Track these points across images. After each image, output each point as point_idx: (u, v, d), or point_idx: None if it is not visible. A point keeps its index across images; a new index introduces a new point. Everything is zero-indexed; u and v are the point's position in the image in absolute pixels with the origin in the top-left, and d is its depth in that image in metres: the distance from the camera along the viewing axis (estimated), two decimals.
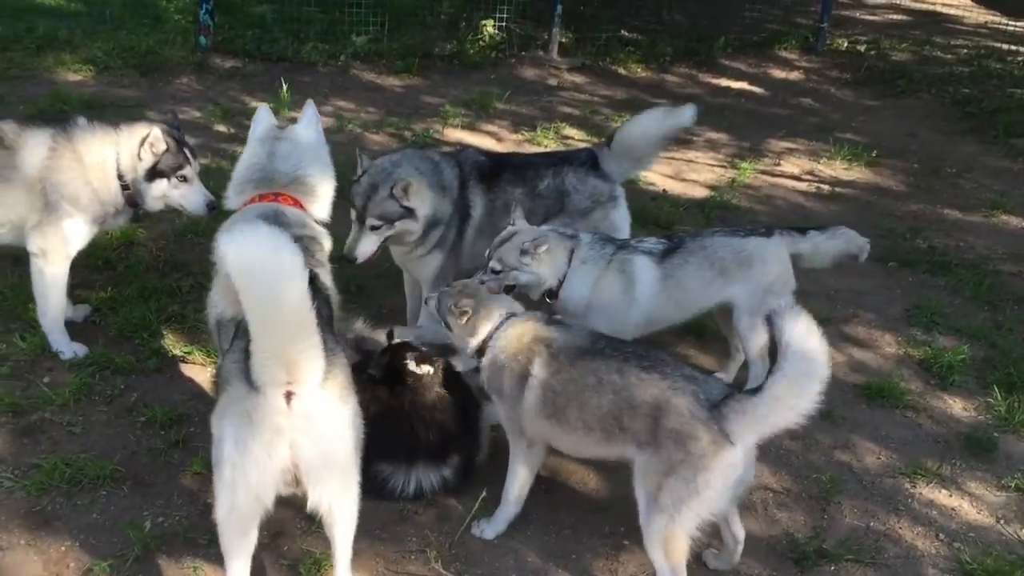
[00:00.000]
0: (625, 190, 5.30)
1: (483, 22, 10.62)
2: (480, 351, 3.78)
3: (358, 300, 5.38)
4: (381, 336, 4.29)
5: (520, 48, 10.65)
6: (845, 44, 12.21)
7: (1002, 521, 4.23)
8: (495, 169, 5.02)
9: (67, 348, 4.59)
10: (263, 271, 2.69)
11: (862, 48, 12.09)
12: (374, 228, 4.53)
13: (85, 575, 3.43)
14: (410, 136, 8.05)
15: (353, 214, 4.56)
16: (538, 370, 3.61)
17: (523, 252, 4.22)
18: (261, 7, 10.90)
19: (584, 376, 3.55)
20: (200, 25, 9.35)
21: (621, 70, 10.79)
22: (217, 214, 4.59)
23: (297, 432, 2.92)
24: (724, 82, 10.86)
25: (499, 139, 8.26)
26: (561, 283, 4.34)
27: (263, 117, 4.18)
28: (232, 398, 2.95)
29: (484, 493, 3.95)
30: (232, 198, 3.95)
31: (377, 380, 3.93)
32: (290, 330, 2.80)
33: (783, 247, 4.63)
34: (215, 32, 9.57)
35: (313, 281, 3.31)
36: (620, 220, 5.22)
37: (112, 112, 7.75)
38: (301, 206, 3.84)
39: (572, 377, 3.56)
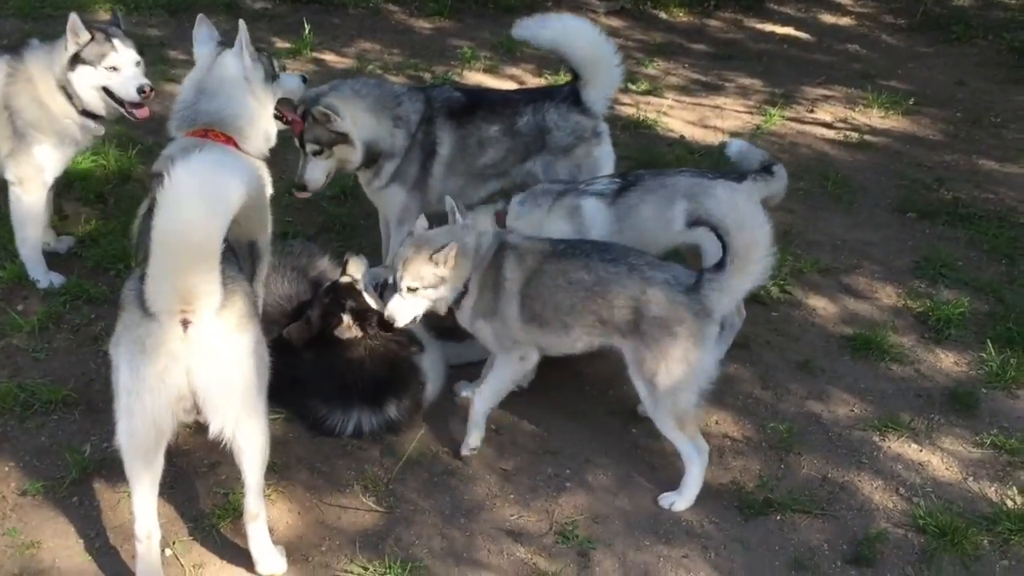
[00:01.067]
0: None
1: None
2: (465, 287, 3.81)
3: (341, 237, 5.39)
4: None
5: None
6: None
7: (971, 478, 4.07)
8: (469, 105, 4.90)
9: (44, 277, 4.68)
10: (202, 198, 2.69)
11: None
12: (316, 154, 4.57)
13: (22, 495, 3.51)
14: (429, 78, 7.97)
15: (296, 141, 4.60)
16: (510, 277, 3.76)
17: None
18: None
19: (554, 278, 3.72)
20: None
21: (662, 14, 10.52)
22: (150, 99, 4.60)
23: (193, 359, 2.92)
24: (769, 27, 10.52)
25: (520, 82, 8.13)
26: None
27: (203, 35, 4.11)
28: (127, 324, 2.96)
29: (422, 431, 3.95)
30: (172, 132, 3.95)
31: (312, 321, 3.93)
32: (191, 259, 2.80)
33: (754, 193, 4.34)
34: None
35: None
36: (604, 157, 5.06)
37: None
38: (233, 142, 3.80)
39: (543, 281, 3.74)
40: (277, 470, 3.73)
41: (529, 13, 9.75)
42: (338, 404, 3.90)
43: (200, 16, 4.20)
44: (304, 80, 4.50)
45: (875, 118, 8.15)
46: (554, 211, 4.23)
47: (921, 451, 4.22)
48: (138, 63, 4.61)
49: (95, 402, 3.97)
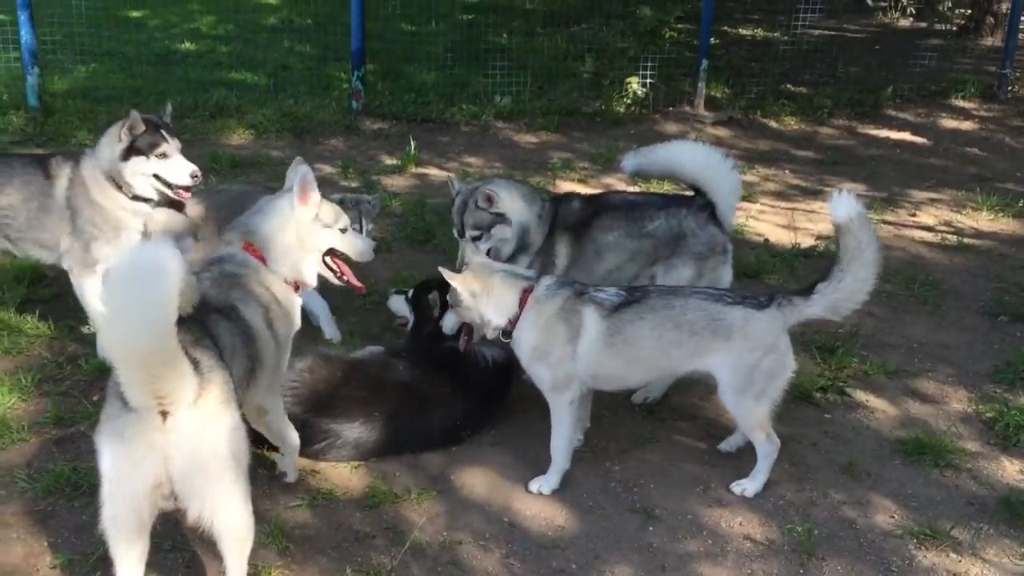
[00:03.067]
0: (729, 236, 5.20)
1: (628, 79, 10.72)
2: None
3: None
4: None
5: (666, 104, 10.66)
6: None
7: None
8: (587, 215, 5.10)
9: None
10: (130, 280, 2.88)
11: None
12: (475, 239, 5.00)
13: (53, 569, 3.78)
14: None
15: (455, 232, 5.14)
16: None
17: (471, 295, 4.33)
18: (429, 74, 11.56)
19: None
20: (352, 90, 10.05)
21: (772, 123, 10.56)
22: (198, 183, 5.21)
23: (169, 448, 3.07)
24: (884, 133, 10.37)
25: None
26: (513, 323, 4.33)
27: (297, 170, 4.25)
28: (109, 415, 3.16)
29: (424, 519, 4.04)
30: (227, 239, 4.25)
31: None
32: (151, 356, 2.92)
33: (778, 321, 4.20)
34: (373, 98, 10.25)
35: (231, 312, 3.58)
36: (727, 274, 5.13)
37: (256, 170, 8.52)
38: (261, 258, 3.92)
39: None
40: (289, 555, 3.88)
41: (635, 127, 10.16)
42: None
43: (297, 158, 4.46)
44: (375, 249, 4.47)
45: (983, 221, 7.87)
46: (561, 310, 4.29)
47: (960, 561, 3.96)
48: (179, 150, 5.15)
49: None
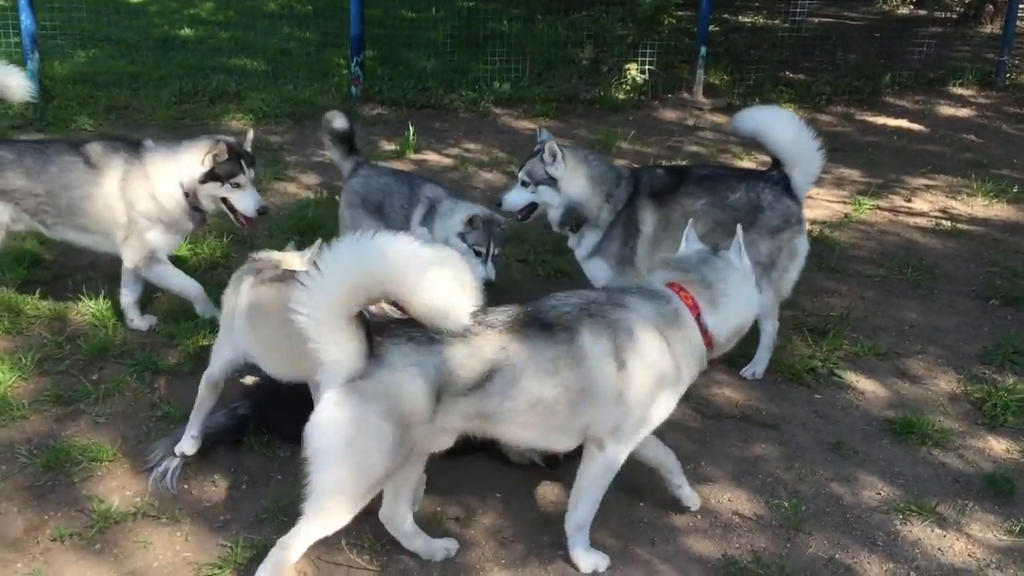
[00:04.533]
0: None
1: (627, 66, 10.77)
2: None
3: None
4: None
5: (665, 90, 10.70)
6: None
7: (993, 566, 3.86)
8: (673, 183, 5.17)
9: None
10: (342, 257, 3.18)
11: None
12: (524, 184, 5.11)
13: (54, 540, 3.86)
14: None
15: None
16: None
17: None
18: (428, 60, 11.60)
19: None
20: (351, 77, 10.09)
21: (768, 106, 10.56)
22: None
23: None
24: (881, 120, 10.40)
25: None
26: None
27: None
28: None
29: (428, 497, 4.11)
30: None
31: None
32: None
33: None
34: (372, 83, 10.29)
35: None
36: (803, 245, 5.17)
37: (256, 155, 8.53)
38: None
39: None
40: (285, 527, 3.94)
41: (634, 113, 10.19)
42: None
43: None
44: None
45: (977, 207, 7.92)
46: None
47: (945, 536, 4.03)
48: (253, 181, 5.36)
49: (136, 463, 4.31)
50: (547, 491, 4.27)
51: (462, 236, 5.12)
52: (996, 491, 4.29)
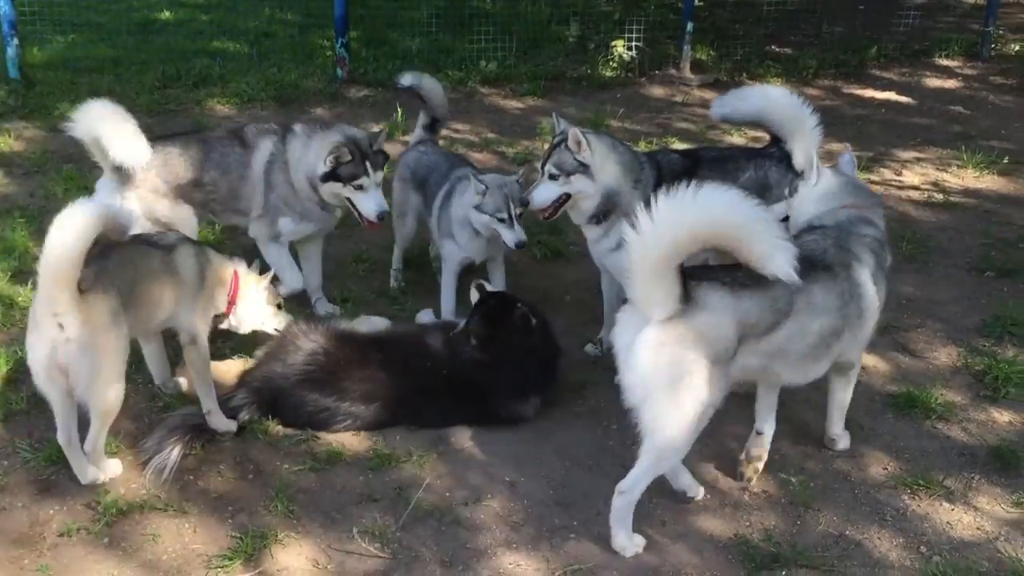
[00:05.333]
0: None
1: (613, 43, 10.71)
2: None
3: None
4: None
5: (652, 67, 10.65)
6: (1016, 48, 11.37)
7: (1002, 538, 3.87)
8: (690, 166, 5.07)
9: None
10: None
11: None
12: (552, 177, 4.79)
13: (61, 535, 3.82)
14: (512, 154, 8.26)
15: (539, 166, 4.95)
16: None
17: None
18: (413, 40, 11.49)
19: None
20: (337, 58, 10.00)
21: (758, 85, 10.54)
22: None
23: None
24: (869, 92, 10.40)
25: None
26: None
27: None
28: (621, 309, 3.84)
29: (429, 478, 4.11)
30: None
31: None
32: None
33: None
34: (357, 65, 10.20)
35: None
36: None
37: None
38: None
39: None
40: (294, 517, 3.93)
41: (621, 90, 10.14)
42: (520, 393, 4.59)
43: None
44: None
45: (968, 178, 7.94)
46: None
47: (953, 510, 4.05)
48: (378, 185, 5.16)
49: (138, 456, 4.26)
50: (554, 474, 4.26)
51: (478, 207, 5.07)
52: (1002, 463, 4.31)
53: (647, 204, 4.83)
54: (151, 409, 4.63)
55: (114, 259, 3.98)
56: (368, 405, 4.44)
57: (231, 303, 4.66)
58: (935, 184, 7.81)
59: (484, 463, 4.31)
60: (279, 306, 4.90)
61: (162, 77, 9.82)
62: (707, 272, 3.72)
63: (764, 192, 5.02)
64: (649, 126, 9.16)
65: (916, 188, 7.72)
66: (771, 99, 5.29)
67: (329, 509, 3.99)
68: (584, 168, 4.73)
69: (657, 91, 10.29)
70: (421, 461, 4.28)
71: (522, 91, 10.09)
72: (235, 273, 4.67)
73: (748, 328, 3.62)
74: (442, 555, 3.76)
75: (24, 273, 5.78)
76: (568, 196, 4.81)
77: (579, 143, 4.69)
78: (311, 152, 5.15)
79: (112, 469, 4.15)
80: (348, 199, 5.17)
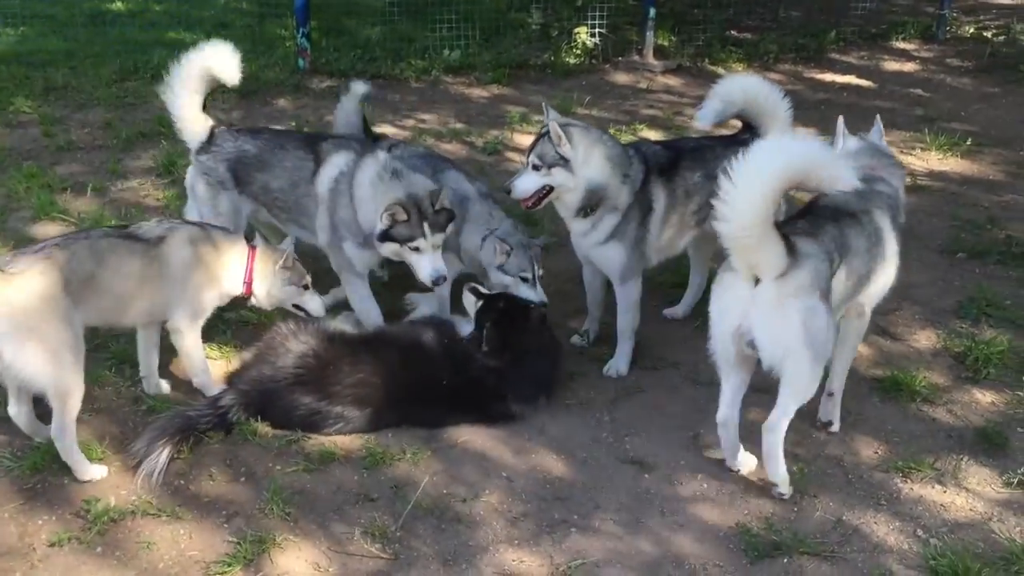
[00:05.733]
0: None
1: (576, 30, 10.68)
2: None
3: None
4: None
5: (615, 53, 10.64)
6: (971, 31, 11.54)
7: (995, 519, 3.94)
8: (673, 158, 5.06)
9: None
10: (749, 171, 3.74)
11: (989, 34, 11.41)
12: (535, 168, 4.74)
13: (52, 545, 3.72)
14: (481, 144, 8.20)
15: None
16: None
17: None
18: (372, 29, 11.36)
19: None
20: (298, 48, 9.85)
21: (720, 70, 10.56)
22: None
23: (752, 306, 3.86)
24: (830, 76, 10.47)
25: None
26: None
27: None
28: (720, 271, 4.10)
29: (430, 476, 4.07)
30: None
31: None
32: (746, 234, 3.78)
33: None
34: (318, 55, 10.06)
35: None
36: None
37: None
38: None
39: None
40: (292, 520, 3.87)
41: (586, 77, 10.12)
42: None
43: None
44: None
45: (933, 161, 8.04)
46: None
47: (945, 492, 4.11)
48: (436, 247, 4.77)
49: (127, 460, 4.17)
50: (550, 468, 4.25)
51: (502, 268, 4.97)
52: (989, 444, 4.38)
53: (636, 198, 4.88)
54: (135, 412, 4.54)
55: (72, 249, 4.07)
56: (361, 410, 4.37)
57: (248, 284, 4.63)
58: None
59: (479, 458, 4.29)
60: (306, 286, 4.80)
61: (119, 70, 9.61)
62: (782, 227, 3.93)
63: None
64: (616, 113, 9.15)
65: None
66: (748, 90, 5.31)
67: (326, 510, 3.94)
68: (565, 162, 4.70)
69: (622, 77, 10.28)
70: (416, 458, 4.25)
71: (486, 79, 10.02)
72: (251, 253, 4.62)
73: (835, 270, 4.00)
74: (444, 553, 3.73)
75: None
76: (551, 188, 4.78)
77: (559, 137, 4.67)
78: (374, 202, 4.80)
79: (96, 472, 4.09)
80: (398, 255, 4.84)
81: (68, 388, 3.97)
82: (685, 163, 5.07)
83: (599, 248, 4.91)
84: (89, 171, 7.40)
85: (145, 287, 4.31)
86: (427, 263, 4.76)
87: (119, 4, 12.44)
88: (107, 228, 4.76)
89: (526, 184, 4.80)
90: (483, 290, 4.85)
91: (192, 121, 5.21)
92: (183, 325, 4.47)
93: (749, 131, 5.23)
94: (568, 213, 4.89)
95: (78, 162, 7.60)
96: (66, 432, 4.01)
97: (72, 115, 8.65)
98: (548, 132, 4.70)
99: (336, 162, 4.96)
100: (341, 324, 4.87)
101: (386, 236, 4.73)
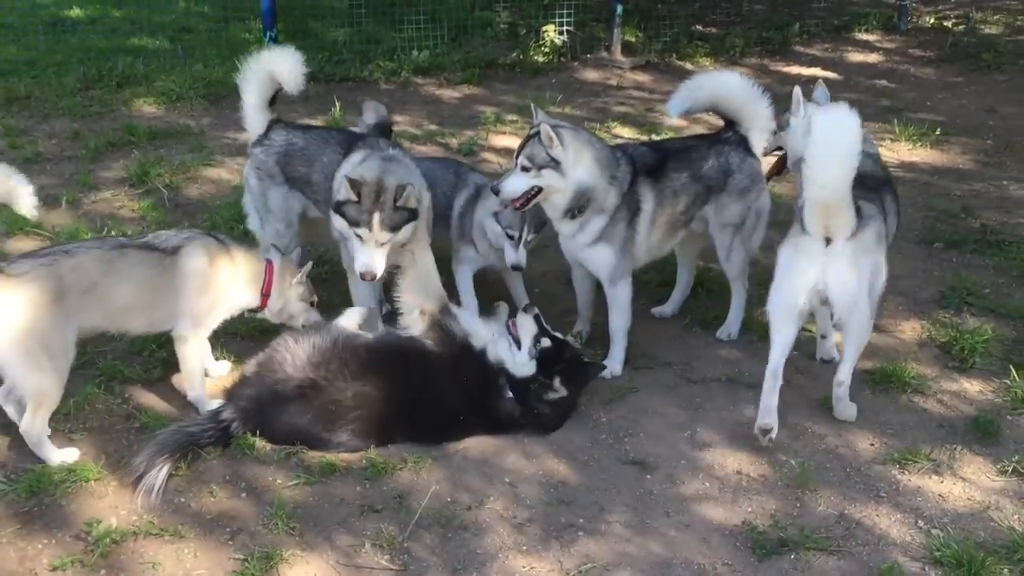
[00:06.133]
0: None
1: (544, 28, 10.69)
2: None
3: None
4: None
5: (584, 51, 10.66)
6: (932, 21, 11.72)
7: (993, 507, 4.01)
8: (659, 159, 5.06)
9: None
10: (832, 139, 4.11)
11: (949, 24, 11.59)
12: (524, 169, 4.71)
13: (55, 570, 3.66)
14: (456, 144, 8.18)
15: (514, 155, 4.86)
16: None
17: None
18: (336, 32, 11.28)
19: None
20: None
21: (688, 65, 10.63)
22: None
23: (827, 264, 4.27)
24: (796, 69, 10.57)
25: None
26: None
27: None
28: (791, 235, 4.45)
29: (436, 486, 4.07)
30: None
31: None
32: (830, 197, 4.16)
33: None
34: None
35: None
36: (767, 203, 5.30)
37: (175, 139, 8.23)
38: None
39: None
40: (297, 534, 3.84)
41: (556, 75, 10.12)
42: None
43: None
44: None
45: (903, 152, 8.14)
46: None
47: (942, 482, 4.17)
48: (381, 244, 4.57)
49: (125, 478, 4.11)
50: (552, 472, 4.26)
51: (496, 216, 5.00)
52: (981, 433, 4.45)
53: (624, 199, 4.89)
54: (128, 430, 4.47)
55: (79, 259, 4.19)
56: (365, 438, 4.33)
57: (265, 296, 4.65)
58: None
59: (481, 465, 4.28)
60: (312, 303, 4.80)
61: (83, 78, 9.45)
62: None
63: (726, 178, 5.12)
64: (588, 111, 9.16)
65: None
66: (724, 84, 5.37)
67: (331, 523, 3.91)
68: (555, 163, 4.69)
69: (591, 75, 10.30)
70: (417, 467, 4.23)
71: (456, 79, 10.00)
72: (269, 267, 4.61)
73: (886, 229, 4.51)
74: (453, 562, 3.72)
75: None
76: (539, 189, 4.76)
77: (551, 139, 4.66)
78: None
79: (66, 455, 4.24)
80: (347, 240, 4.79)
81: (44, 392, 4.10)
82: (672, 164, 5.09)
83: (587, 250, 4.91)
84: (60, 183, 7.27)
85: (156, 296, 4.38)
86: (361, 255, 4.59)
87: (77, 11, 12.26)
88: (123, 238, 4.83)
89: (515, 185, 4.77)
90: (547, 327, 4.71)
91: (253, 114, 5.30)
92: (189, 334, 4.50)
93: (731, 130, 5.26)
94: (556, 214, 4.88)
95: (47, 174, 7.45)
96: (35, 429, 4.15)
97: (37, 125, 8.49)
98: (538, 134, 4.68)
99: (353, 158, 4.93)
100: (348, 320, 4.76)
101: (338, 209, 4.63)
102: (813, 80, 10.10)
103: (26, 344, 3.99)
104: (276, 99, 5.38)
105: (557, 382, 4.47)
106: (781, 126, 5.18)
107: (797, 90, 5.10)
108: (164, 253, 4.38)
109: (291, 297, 4.70)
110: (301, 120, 8.63)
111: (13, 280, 4.00)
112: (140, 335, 4.74)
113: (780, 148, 5.31)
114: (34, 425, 4.13)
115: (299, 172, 5.22)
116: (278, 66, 5.20)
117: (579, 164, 4.73)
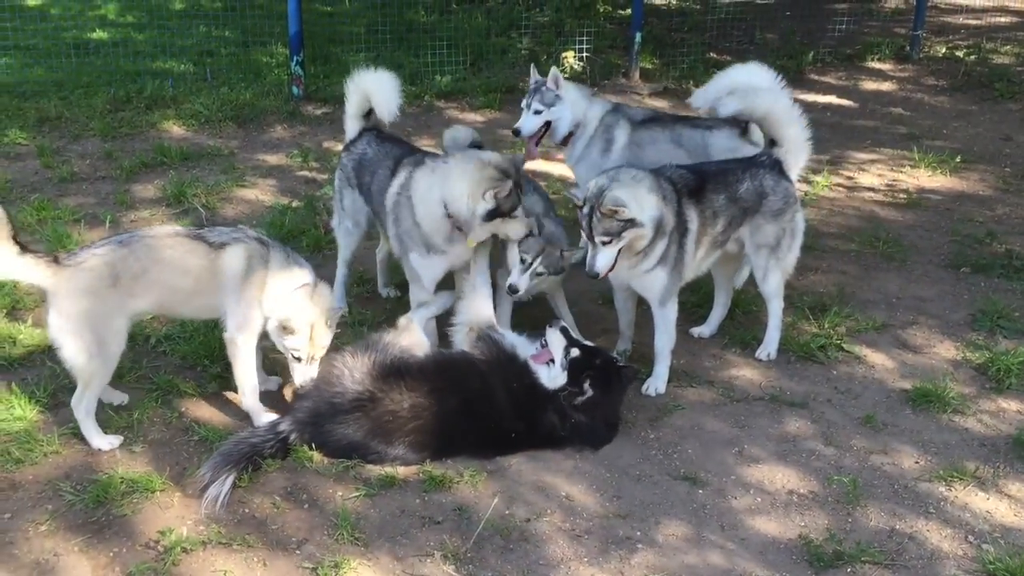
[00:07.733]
0: None
1: (564, 54, 10.86)
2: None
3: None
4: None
5: (602, 77, 10.83)
6: (943, 51, 11.91)
7: None
8: (699, 180, 5.16)
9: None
10: None
11: (961, 53, 11.79)
12: (605, 243, 4.80)
13: None
14: None
15: (584, 235, 4.92)
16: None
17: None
18: (358, 56, 11.42)
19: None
20: (292, 76, 9.90)
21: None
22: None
23: None
24: (811, 97, 10.72)
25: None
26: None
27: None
28: None
29: (496, 499, 4.15)
30: None
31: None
32: None
33: None
34: (309, 82, 10.11)
35: None
36: (801, 224, 5.41)
37: (207, 161, 8.34)
38: None
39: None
40: (362, 544, 3.92)
41: None
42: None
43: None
44: None
45: (923, 178, 8.29)
46: None
47: (988, 499, 4.26)
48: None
49: (190, 489, 4.19)
50: (606, 487, 4.33)
51: (519, 242, 5.09)
52: None
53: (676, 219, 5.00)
54: (187, 442, 4.56)
55: (131, 248, 4.48)
56: (420, 452, 4.41)
57: None
58: (893, 185, 8.14)
59: (536, 480, 4.36)
60: (313, 357, 4.74)
61: (112, 100, 9.58)
62: None
63: (761, 200, 5.22)
64: None
65: (877, 190, 8.03)
66: (752, 76, 5.63)
67: (394, 534, 3.99)
68: (631, 222, 4.77)
69: (610, 100, 10.43)
70: (474, 481, 4.31)
71: (478, 104, 10.15)
72: (304, 288, 4.65)
73: None
74: (518, 572, 3.80)
75: (18, 311, 5.62)
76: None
77: (614, 211, 4.71)
78: (465, 191, 4.89)
79: (112, 442, 4.50)
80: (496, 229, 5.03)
81: (92, 373, 4.39)
82: (710, 185, 5.21)
83: (646, 275, 5.01)
84: (97, 202, 7.38)
85: (201, 286, 4.57)
86: (521, 225, 5.04)
87: (100, 33, 12.39)
88: (179, 227, 4.92)
89: (605, 260, 4.82)
90: (575, 336, 4.84)
91: (348, 122, 5.81)
92: (235, 336, 4.62)
93: (766, 152, 5.38)
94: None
95: (83, 193, 7.57)
96: (83, 405, 4.45)
97: (69, 146, 8.60)
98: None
99: (401, 176, 5.17)
100: (419, 316, 5.03)
101: (495, 212, 4.88)
102: (828, 107, 10.38)
103: (78, 328, 4.30)
104: (372, 111, 5.70)
105: (586, 385, 4.55)
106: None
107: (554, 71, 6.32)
108: (211, 247, 4.55)
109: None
110: (327, 142, 8.80)
111: (67, 270, 4.31)
112: (191, 319, 5.10)
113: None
114: (81, 402, 4.44)
115: (364, 181, 5.52)
116: (372, 88, 5.56)
117: (645, 205, 4.84)
